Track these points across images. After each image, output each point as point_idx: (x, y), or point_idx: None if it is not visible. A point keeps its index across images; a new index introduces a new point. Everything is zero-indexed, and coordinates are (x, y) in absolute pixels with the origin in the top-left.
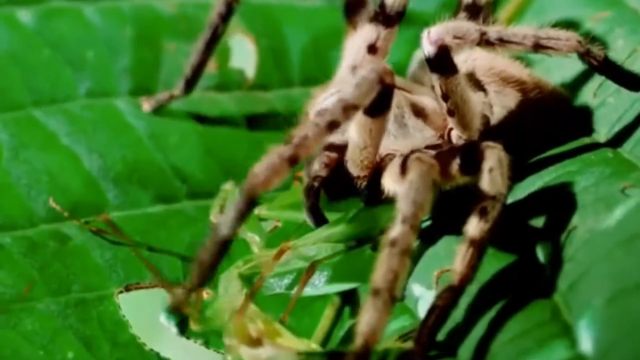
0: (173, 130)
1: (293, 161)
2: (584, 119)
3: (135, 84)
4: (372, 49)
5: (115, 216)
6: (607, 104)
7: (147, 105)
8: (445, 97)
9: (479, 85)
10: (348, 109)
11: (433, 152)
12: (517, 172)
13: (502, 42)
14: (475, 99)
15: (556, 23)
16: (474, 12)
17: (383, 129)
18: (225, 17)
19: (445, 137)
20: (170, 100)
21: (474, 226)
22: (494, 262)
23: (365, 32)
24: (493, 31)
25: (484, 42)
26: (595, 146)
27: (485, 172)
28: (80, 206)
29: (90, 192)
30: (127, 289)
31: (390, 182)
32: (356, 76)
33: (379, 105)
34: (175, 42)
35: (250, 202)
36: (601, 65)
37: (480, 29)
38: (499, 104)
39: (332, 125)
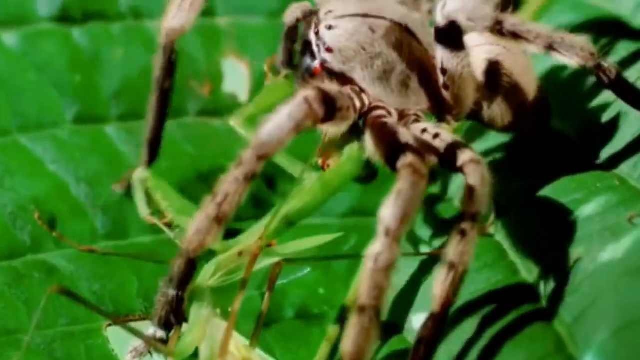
0: (165, 155)
1: (220, 220)
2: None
3: (125, 108)
4: None
5: (104, 245)
6: (614, 129)
7: (116, 186)
8: (444, 70)
9: (489, 76)
10: (263, 158)
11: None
12: (519, 199)
13: (515, 36)
14: (474, 83)
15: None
16: None
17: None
18: (169, 71)
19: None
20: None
21: (453, 248)
22: (495, 293)
23: None
24: (509, 23)
25: (497, 31)
26: (601, 173)
27: (466, 189)
28: (68, 235)
29: (77, 220)
30: (116, 322)
31: (374, 156)
32: (274, 120)
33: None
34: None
35: (190, 265)
36: (612, 83)
37: (497, 17)
38: (498, 101)
39: (250, 177)
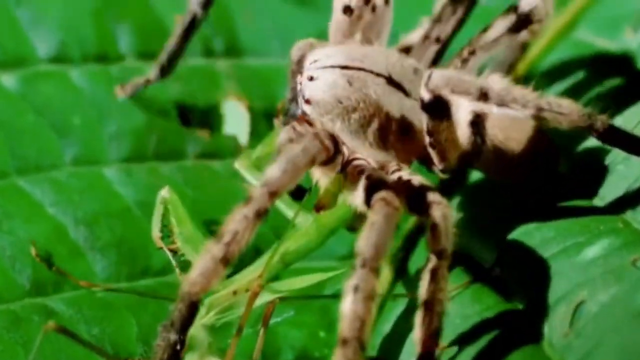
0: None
1: (227, 261)
2: (587, 183)
3: (125, 150)
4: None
5: (103, 289)
6: (617, 171)
7: (121, 92)
8: (430, 133)
9: (480, 132)
10: (274, 195)
11: (392, 179)
12: (522, 241)
13: (502, 104)
14: (461, 143)
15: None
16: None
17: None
18: (205, 5)
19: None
20: (146, 85)
21: (425, 289)
22: (498, 336)
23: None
24: (494, 92)
25: (483, 100)
26: (604, 216)
27: (430, 228)
28: (66, 279)
29: (76, 264)
30: None
31: (353, 200)
32: (287, 155)
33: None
34: (166, 105)
35: (192, 308)
36: (606, 136)
37: (482, 87)
38: (488, 154)
39: (261, 214)
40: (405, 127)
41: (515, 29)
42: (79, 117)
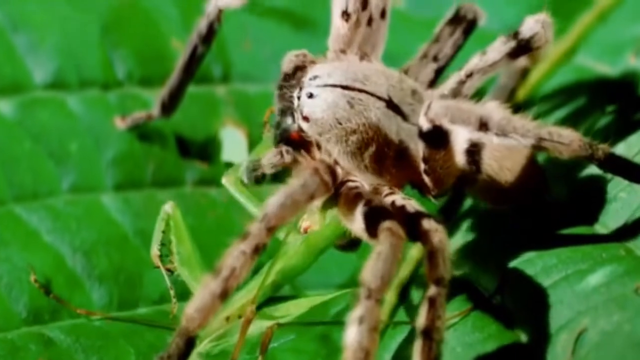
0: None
1: (225, 295)
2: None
3: (122, 178)
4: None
5: (101, 317)
6: (620, 198)
7: (121, 123)
8: (426, 160)
9: (475, 161)
10: (272, 230)
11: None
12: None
13: (502, 135)
14: (456, 171)
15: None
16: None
17: None
18: (206, 39)
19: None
20: (148, 121)
21: (423, 317)
22: None
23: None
24: (494, 121)
25: (483, 130)
26: (606, 243)
27: (427, 256)
28: (63, 307)
29: (74, 292)
30: None
31: (350, 225)
32: (286, 190)
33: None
34: (164, 131)
35: (189, 342)
36: (607, 164)
37: (482, 117)
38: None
39: (258, 250)
40: (401, 152)
41: (514, 54)
42: (76, 144)
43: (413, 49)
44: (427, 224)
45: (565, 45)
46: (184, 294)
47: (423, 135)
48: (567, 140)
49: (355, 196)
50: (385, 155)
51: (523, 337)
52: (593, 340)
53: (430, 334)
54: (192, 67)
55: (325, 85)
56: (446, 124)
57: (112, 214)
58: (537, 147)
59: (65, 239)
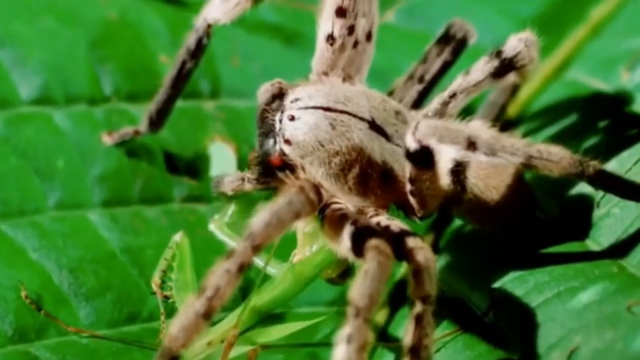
0: (149, 243)
1: (209, 316)
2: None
3: (109, 194)
4: (340, 12)
5: (88, 336)
6: (612, 214)
7: (108, 139)
8: (412, 181)
9: (460, 181)
10: (257, 250)
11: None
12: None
13: (490, 154)
14: (443, 191)
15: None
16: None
17: None
18: (195, 54)
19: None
20: (135, 136)
21: (410, 335)
22: None
23: None
24: (483, 141)
25: (471, 150)
26: (598, 260)
27: (412, 274)
28: (50, 325)
29: (60, 310)
30: None
31: (336, 247)
32: (272, 208)
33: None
34: (152, 146)
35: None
36: (598, 181)
37: (470, 137)
38: (467, 202)
39: (243, 268)
40: (386, 173)
41: (497, 73)
42: (63, 160)
43: (403, 63)
44: (412, 242)
45: (558, 60)
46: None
47: (410, 155)
48: (557, 157)
49: (340, 217)
50: (369, 176)
51: (514, 356)
52: (585, 358)
53: (417, 353)
54: (181, 83)
55: (307, 108)
56: (434, 144)
57: (99, 230)
58: (527, 166)
59: (52, 257)
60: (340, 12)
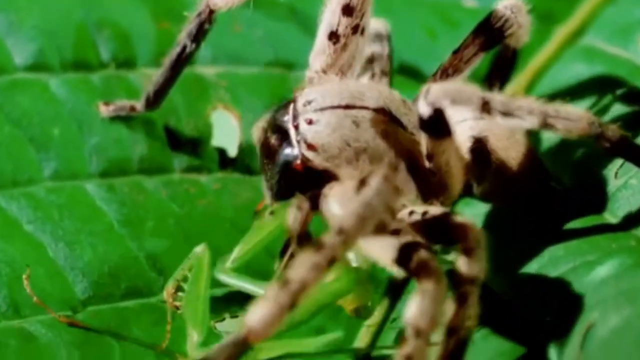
0: (148, 215)
1: (292, 308)
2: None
3: (107, 164)
4: (347, 9)
5: (84, 311)
6: (630, 186)
7: (105, 109)
8: (430, 156)
9: (482, 154)
10: (349, 244)
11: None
12: (530, 258)
13: (506, 114)
14: (462, 166)
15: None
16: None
17: None
18: (195, 38)
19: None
20: (131, 112)
21: (451, 315)
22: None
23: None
24: (497, 101)
25: (486, 111)
26: (616, 233)
27: (462, 253)
28: (45, 300)
29: (55, 284)
30: None
31: (373, 254)
32: (360, 199)
33: None
34: (150, 115)
35: (243, 353)
36: (616, 148)
37: (483, 97)
38: (488, 178)
39: (332, 263)
40: (411, 162)
41: (488, 45)
42: (59, 129)
43: None
44: (460, 219)
45: (573, 26)
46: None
47: (424, 123)
48: (576, 117)
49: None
50: (396, 167)
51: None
52: (601, 335)
53: (456, 333)
54: (180, 66)
55: (324, 109)
56: (447, 105)
57: (97, 202)
58: (544, 126)
59: (47, 229)
60: (347, 11)
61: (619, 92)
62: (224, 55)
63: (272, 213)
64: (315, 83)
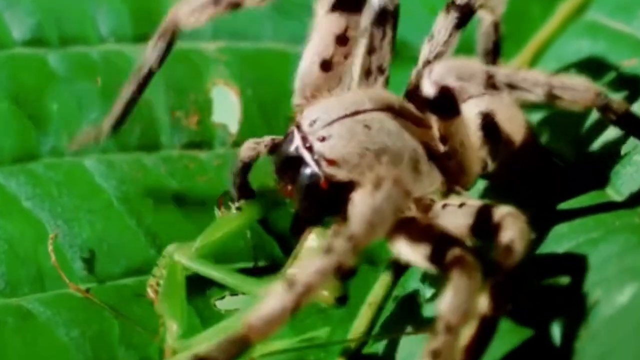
0: (148, 192)
1: (295, 311)
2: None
3: (106, 141)
4: (342, 40)
5: (82, 288)
6: (635, 162)
7: (73, 145)
8: (444, 139)
9: (488, 131)
10: (358, 249)
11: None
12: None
13: (511, 87)
14: (476, 144)
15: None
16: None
17: None
18: (162, 59)
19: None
20: (97, 139)
21: (486, 303)
22: (505, 339)
23: (331, 22)
24: (502, 74)
25: (491, 86)
26: (620, 210)
27: (503, 243)
28: (45, 278)
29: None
30: None
31: (402, 252)
32: (371, 206)
33: None
34: (150, 92)
35: (242, 351)
36: (621, 120)
37: (488, 70)
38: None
39: (340, 269)
40: (429, 151)
41: (461, 23)
42: (57, 105)
43: None
44: (503, 210)
45: (576, 1)
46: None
47: (432, 103)
48: (582, 88)
49: (411, 224)
50: (417, 159)
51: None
52: (605, 313)
53: (487, 321)
54: (146, 86)
55: (331, 122)
56: (453, 82)
57: (96, 179)
58: (550, 97)
59: (46, 206)
60: (342, 40)
61: (622, 66)
62: (225, 31)
63: (239, 209)
64: (315, 102)
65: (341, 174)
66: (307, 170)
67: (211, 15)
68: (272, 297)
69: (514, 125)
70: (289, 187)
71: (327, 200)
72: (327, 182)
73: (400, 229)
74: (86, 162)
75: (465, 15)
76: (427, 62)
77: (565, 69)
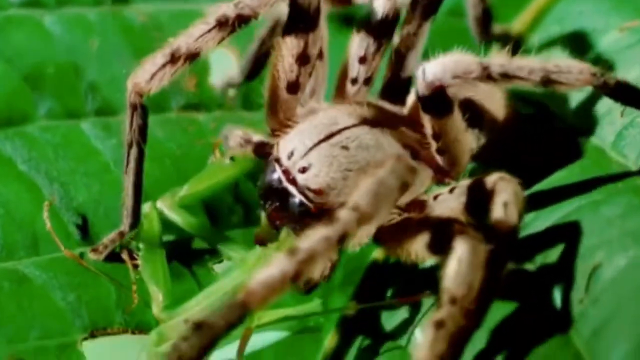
0: (145, 155)
1: (296, 279)
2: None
3: (103, 103)
4: (303, 58)
5: (78, 251)
6: (637, 124)
7: (93, 255)
8: (437, 136)
9: (472, 117)
10: (364, 221)
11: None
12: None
13: (507, 77)
14: (468, 138)
15: (576, 33)
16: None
17: None
18: (143, 131)
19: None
20: (120, 239)
21: (490, 267)
22: (507, 305)
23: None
24: (496, 65)
25: (486, 77)
26: (623, 172)
27: (498, 206)
28: (40, 242)
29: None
30: (93, 335)
31: (407, 251)
32: (375, 180)
33: None
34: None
35: (242, 317)
36: (618, 93)
37: (482, 63)
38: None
39: (344, 239)
40: (416, 152)
41: (428, 12)
42: (53, 67)
43: None
44: (494, 176)
45: None
46: None
47: (426, 105)
48: (577, 70)
49: (399, 225)
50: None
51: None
52: (607, 276)
53: (491, 284)
54: (142, 166)
55: (308, 152)
56: (449, 80)
57: (92, 141)
58: (547, 82)
59: (42, 169)
60: (303, 59)
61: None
62: None
63: (232, 159)
64: (281, 134)
65: (329, 201)
66: (296, 200)
67: (172, 74)
68: (274, 263)
69: (494, 103)
70: (276, 213)
71: (319, 218)
72: (317, 209)
73: (398, 232)
74: (82, 124)
75: (432, 6)
76: (399, 54)
77: (561, 34)
